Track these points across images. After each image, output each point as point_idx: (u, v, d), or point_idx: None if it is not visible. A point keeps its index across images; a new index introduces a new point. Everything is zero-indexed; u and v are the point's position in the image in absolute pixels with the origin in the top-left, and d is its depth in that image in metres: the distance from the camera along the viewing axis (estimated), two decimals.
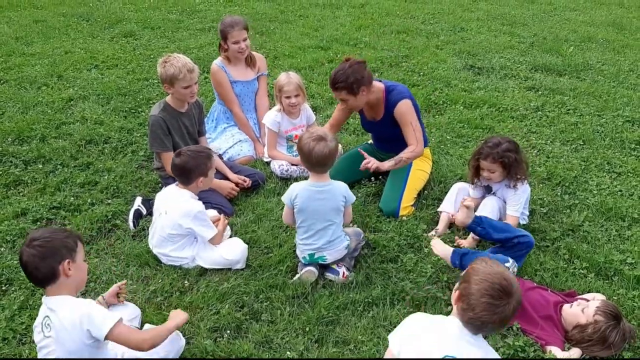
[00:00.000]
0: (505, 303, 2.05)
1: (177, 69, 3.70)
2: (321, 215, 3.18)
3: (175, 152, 3.41)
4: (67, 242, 2.37)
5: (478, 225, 3.26)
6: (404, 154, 3.93)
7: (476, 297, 2.07)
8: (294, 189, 3.20)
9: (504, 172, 3.56)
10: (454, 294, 2.19)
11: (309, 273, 3.22)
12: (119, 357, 2.58)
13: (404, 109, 3.88)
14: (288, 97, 4.32)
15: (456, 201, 3.77)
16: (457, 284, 2.21)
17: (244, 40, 4.57)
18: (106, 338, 2.31)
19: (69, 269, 2.34)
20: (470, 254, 3.17)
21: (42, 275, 2.33)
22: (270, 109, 4.75)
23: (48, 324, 2.36)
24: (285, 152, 4.50)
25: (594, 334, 2.76)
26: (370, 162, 3.83)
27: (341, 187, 3.23)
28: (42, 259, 2.29)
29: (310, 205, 3.16)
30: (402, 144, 3.98)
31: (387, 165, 3.89)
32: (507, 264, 2.86)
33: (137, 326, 2.81)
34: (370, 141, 4.46)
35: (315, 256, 3.24)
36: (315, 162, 3.11)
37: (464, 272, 2.22)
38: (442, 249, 3.37)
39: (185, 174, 3.32)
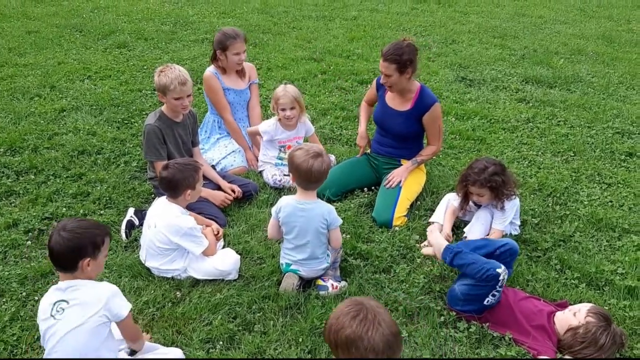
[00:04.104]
0: (363, 309, 1.95)
1: (169, 79, 3.72)
2: (301, 232, 3.18)
3: (163, 165, 3.41)
4: (96, 239, 2.46)
5: (453, 257, 3.05)
6: (424, 154, 4.18)
7: (342, 325, 1.94)
8: (281, 202, 3.22)
9: (492, 194, 3.59)
10: None
11: (289, 277, 3.23)
12: (119, 356, 2.61)
13: (439, 112, 4.11)
14: (283, 110, 4.35)
15: (447, 211, 3.82)
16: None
17: (244, 52, 4.62)
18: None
19: (88, 266, 2.44)
20: (463, 253, 3.03)
21: (63, 263, 2.45)
22: (262, 116, 4.86)
23: (62, 308, 2.42)
24: (275, 159, 4.52)
25: (585, 334, 2.77)
26: (394, 180, 4.05)
27: (324, 209, 3.17)
28: (67, 249, 2.39)
29: (292, 221, 3.17)
30: (404, 147, 4.16)
31: (411, 168, 4.14)
32: (499, 270, 2.86)
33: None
34: (367, 150, 4.48)
35: (291, 267, 3.26)
36: (315, 179, 3.10)
37: (328, 337, 2.05)
38: (435, 240, 3.23)
39: (172, 187, 3.31)
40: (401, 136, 4.15)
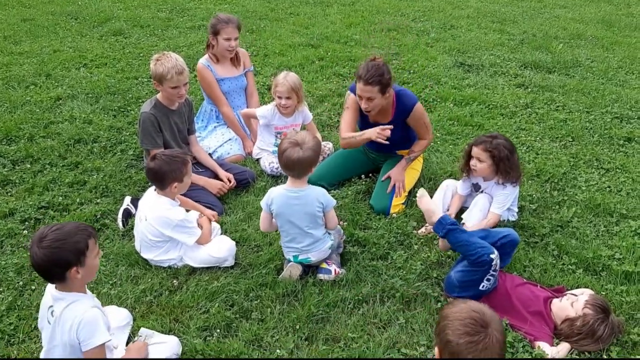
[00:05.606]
0: (484, 336, 1.89)
1: (166, 69, 3.69)
2: (298, 220, 3.15)
3: (150, 156, 3.37)
4: (78, 245, 2.28)
5: (446, 227, 3.04)
6: (416, 150, 4.05)
7: (455, 341, 1.90)
8: (271, 193, 3.18)
9: (492, 166, 3.56)
10: (435, 351, 2.02)
11: (293, 268, 3.22)
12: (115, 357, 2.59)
13: (421, 112, 3.96)
14: (279, 97, 4.33)
15: (445, 197, 3.81)
16: (434, 340, 2.05)
17: (235, 39, 4.57)
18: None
19: (78, 273, 2.31)
20: (457, 232, 2.99)
21: (49, 277, 2.35)
22: (260, 104, 4.82)
23: (52, 316, 2.39)
24: (272, 147, 4.50)
25: (582, 327, 2.78)
26: (397, 185, 3.94)
27: (317, 192, 3.16)
28: (49, 263, 2.25)
29: (287, 211, 3.14)
30: (395, 148, 4.01)
31: (406, 167, 4.04)
32: (492, 255, 2.86)
33: (129, 331, 2.80)
34: None
35: (300, 257, 3.24)
36: (284, 165, 3.09)
37: (436, 326, 2.05)
38: (427, 207, 3.15)
39: (159, 179, 3.26)
40: (389, 145, 3.95)
